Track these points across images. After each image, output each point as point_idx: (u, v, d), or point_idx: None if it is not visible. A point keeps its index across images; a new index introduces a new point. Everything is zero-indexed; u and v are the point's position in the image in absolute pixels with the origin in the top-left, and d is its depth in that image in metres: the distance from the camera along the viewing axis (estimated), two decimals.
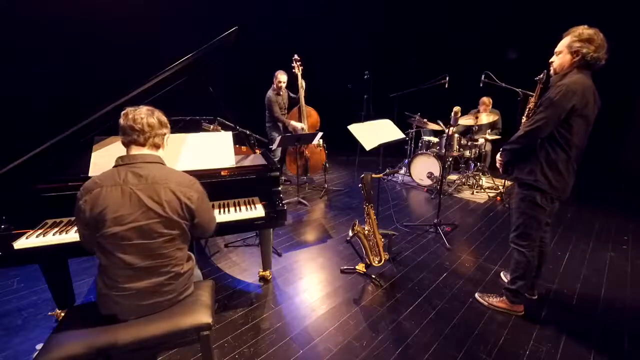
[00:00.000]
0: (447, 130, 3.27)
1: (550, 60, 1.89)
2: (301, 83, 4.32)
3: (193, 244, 2.39)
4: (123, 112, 1.35)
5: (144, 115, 1.34)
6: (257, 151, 2.60)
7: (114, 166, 1.32)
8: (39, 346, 1.43)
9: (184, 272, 1.42)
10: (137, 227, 1.24)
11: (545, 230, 2.14)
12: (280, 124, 4.41)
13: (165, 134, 1.44)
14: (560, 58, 1.82)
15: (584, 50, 1.69)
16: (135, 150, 1.36)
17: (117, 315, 1.33)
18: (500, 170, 2.14)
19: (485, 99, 4.68)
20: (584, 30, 1.72)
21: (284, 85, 4.28)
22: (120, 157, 1.33)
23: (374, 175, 2.60)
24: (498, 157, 2.10)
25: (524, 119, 2.08)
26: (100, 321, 1.34)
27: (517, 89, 3.63)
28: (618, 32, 4.45)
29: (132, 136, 1.33)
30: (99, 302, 1.35)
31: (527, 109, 2.07)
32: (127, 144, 1.36)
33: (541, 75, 2.08)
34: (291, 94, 4.48)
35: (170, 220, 1.30)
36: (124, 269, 1.27)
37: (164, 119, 1.43)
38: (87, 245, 1.35)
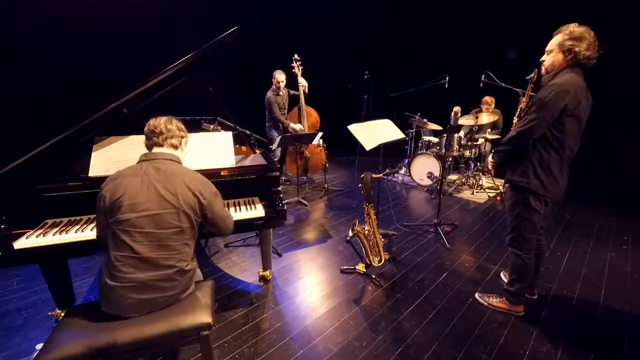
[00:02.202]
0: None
1: (541, 60, 1.85)
2: (302, 82, 4.32)
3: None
4: (147, 122, 1.54)
5: (162, 122, 1.54)
6: (257, 151, 2.60)
7: (138, 161, 1.47)
8: (39, 346, 1.43)
9: (187, 270, 1.45)
10: (150, 215, 1.34)
11: (540, 233, 2.11)
12: (280, 124, 4.41)
13: (182, 137, 1.60)
14: (551, 57, 1.79)
15: (576, 49, 1.67)
16: (156, 150, 1.52)
17: (117, 310, 1.34)
18: (492, 172, 2.11)
19: (487, 98, 4.69)
20: (575, 28, 1.70)
21: (282, 84, 4.28)
22: (144, 154, 1.50)
23: (374, 175, 2.60)
24: (490, 159, 2.06)
25: (515, 119, 2.04)
26: (100, 321, 1.34)
27: (517, 89, 3.63)
28: (618, 32, 4.47)
29: (152, 139, 1.52)
30: (100, 295, 1.37)
31: (519, 109, 2.03)
32: (149, 147, 1.53)
33: (532, 75, 2.05)
34: (291, 91, 4.48)
35: (182, 212, 1.39)
36: (131, 257, 1.32)
37: (181, 126, 1.61)
38: (103, 236, 1.43)
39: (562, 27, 1.75)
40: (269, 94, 4.29)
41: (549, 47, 1.80)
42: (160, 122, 1.52)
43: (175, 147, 1.56)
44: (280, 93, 4.34)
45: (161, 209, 1.35)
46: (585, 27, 1.70)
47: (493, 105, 4.71)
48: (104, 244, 1.45)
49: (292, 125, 4.33)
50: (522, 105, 2.02)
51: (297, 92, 4.40)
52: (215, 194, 1.54)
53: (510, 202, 2.00)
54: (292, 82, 4.40)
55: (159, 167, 1.42)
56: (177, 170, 1.45)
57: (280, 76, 4.22)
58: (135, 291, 1.32)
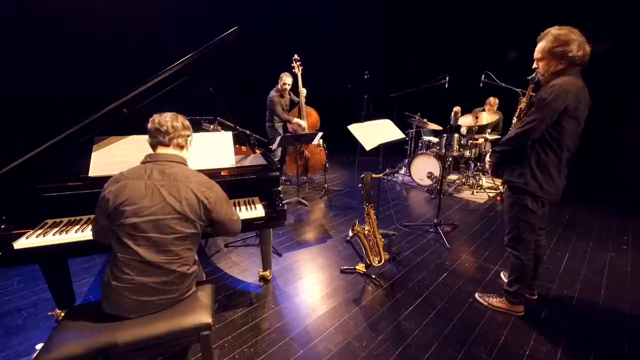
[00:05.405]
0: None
1: (534, 67, 1.85)
2: (301, 89, 4.34)
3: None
4: (150, 118, 1.48)
5: (168, 119, 1.47)
6: (257, 151, 2.60)
7: (142, 162, 1.42)
8: (39, 346, 1.43)
9: (189, 274, 1.45)
10: (154, 220, 1.31)
11: (539, 233, 2.11)
12: (280, 124, 4.41)
13: (188, 136, 1.54)
14: (545, 64, 1.78)
15: (570, 54, 1.66)
16: (161, 150, 1.46)
17: (118, 311, 1.34)
18: (490, 172, 2.11)
19: (491, 99, 4.67)
20: (558, 31, 1.69)
21: (288, 87, 4.29)
22: (148, 155, 1.44)
23: (374, 175, 2.60)
24: (487, 158, 2.06)
25: (514, 119, 2.03)
26: (101, 321, 1.34)
27: (517, 89, 3.63)
28: (617, 32, 4.47)
29: (157, 138, 1.45)
30: (102, 295, 1.37)
31: (518, 110, 2.01)
32: (154, 145, 1.48)
33: (532, 75, 2.05)
34: (293, 97, 4.49)
35: (186, 218, 1.36)
36: (134, 260, 1.31)
37: (186, 122, 1.54)
38: (100, 237, 1.43)
39: (544, 33, 1.74)
40: (273, 94, 4.28)
41: (536, 54, 1.79)
42: (166, 120, 1.46)
43: (181, 147, 1.51)
44: (284, 95, 4.35)
45: (165, 214, 1.32)
46: (568, 28, 1.69)
47: (496, 107, 4.69)
48: (99, 241, 1.45)
49: (296, 119, 4.34)
50: (521, 105, 2.01)
51: (297, 99, 4.43)
52: (222, 197, 1.50)
53: (508, 202, 2.01)
54: (293, 83, 4.40)
55: (165, 170, 1.37)
56: (183, 173, 1.40)
57: (287, 79, 4.22)
58: (137, 292, 1.32)
